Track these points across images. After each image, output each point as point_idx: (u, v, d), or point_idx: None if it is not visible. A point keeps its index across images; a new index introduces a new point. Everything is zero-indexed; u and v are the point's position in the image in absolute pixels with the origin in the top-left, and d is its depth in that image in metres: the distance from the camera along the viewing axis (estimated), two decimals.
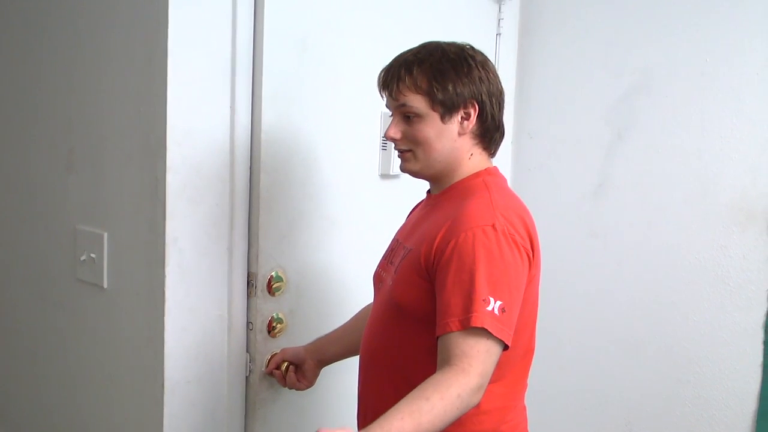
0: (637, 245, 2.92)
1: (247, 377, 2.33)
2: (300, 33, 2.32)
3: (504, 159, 2.67)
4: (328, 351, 2.32)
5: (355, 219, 2.56)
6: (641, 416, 2.95)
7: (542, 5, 3.12)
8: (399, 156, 1.96)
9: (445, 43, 1.91)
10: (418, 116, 1.88)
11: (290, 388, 2.33)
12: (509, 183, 2.07)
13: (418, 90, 1.86)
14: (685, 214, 2.80)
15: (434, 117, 1.88)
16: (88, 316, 2.38)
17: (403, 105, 1.88)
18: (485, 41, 2.96)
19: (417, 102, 1.87)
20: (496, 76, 1.93)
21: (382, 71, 1.94)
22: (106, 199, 2.28)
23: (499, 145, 2.00)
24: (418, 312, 1.83)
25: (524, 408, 2.02)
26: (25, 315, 2.62)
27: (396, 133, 1.91)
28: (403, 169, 1.98)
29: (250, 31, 2.21)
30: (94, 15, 2.26)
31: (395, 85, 1.89)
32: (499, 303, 1.71)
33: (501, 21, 3.07)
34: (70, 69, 2.35)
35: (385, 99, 1.95)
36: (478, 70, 1.88)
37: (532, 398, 2.07)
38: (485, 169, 1.95)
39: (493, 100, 1.91)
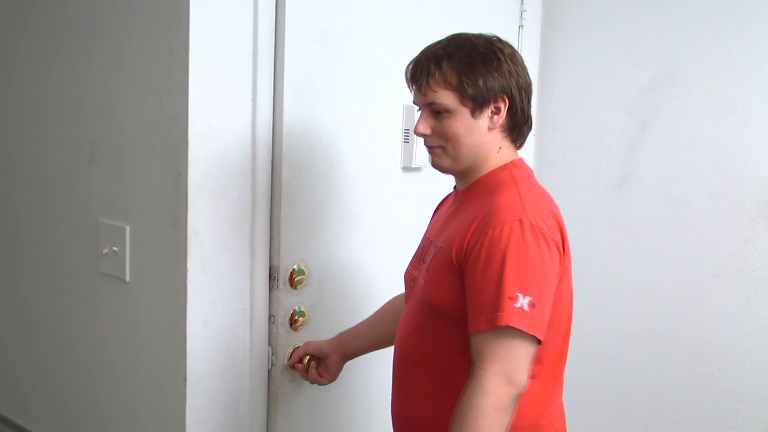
0: (660, 238, 2.90)
1: (269, 370, 2.33)
2: (322, 26, 2.31)
3: (527, 152, 2.66)
4: (352, 345, 2.32)
5: (377, 212, 2.55)
6: (664, 409, 2.93)
7: None
8: (429, 152, 1.94)
9: (473, 35, 1.88)
10: (448, 112, 1.86)
11: (312, 383, 2.32)
12: None
13: (447, 85, 1.84)
14: (709, 207, 2.78)
15: (464, 112, 1.85)
16: (110, 309, 2.38)
17: (432, 102, 1.86)
18: (508, 33, 2.94)
19: (447, 98, 1.85)
20: (524, 68, 1.90)
21: (410, 64, 1.91)
22: (128, 192, 2.28)
23: (527, 137, 1.98)
24: (452, 310, 1.82)
25: (562, 404, 2.00)
26: (48, 308, 2.63)
27: (426, 129, 1.89)
28: (433, 165, 1.96)
29: (272, 23, 2.21)
30: (116, 8, 2.26)
31: (425, 81, 1.86)
32: (528, 299, 1.70)
33: (524, 13, 3.06)
34: (91, 62, 2.36)
35: (412, 93, 1.92)
36: (508, 63, 1.86)
37: None
38: (511, 162, 1.93)
39: (523, 93, 1.89)
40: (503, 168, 1.91)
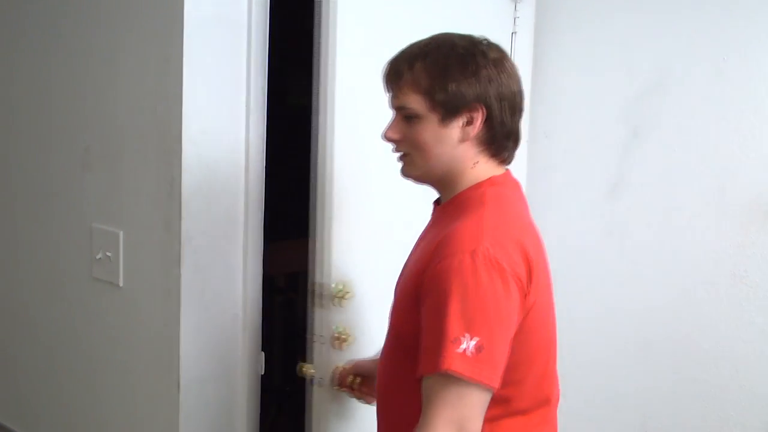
0: (653, 244, 2.90)
1: (261, 375, 2.34)
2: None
3: (519, 159, 2.65)
4: None
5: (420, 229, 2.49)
6: (657, 416, 2.93)
7: (558, 4, 3.11)
8: (398, 160, 1.77)
9: (458, 35, 1.71)
10: (417, 117, 1.68)
11: (360, 400, 2.20)
12: (524, 184, 1.96)
13: (417, 89, 1.67)
14: (702, 213, 2.78)
15: (433, 119, 1.67)
16: (103, 314, 2.38)
17: (402, 106, 1.70)
18: (500, 40, 2.95)
19: (415, 102, 1.67)
20: (511, 76, 1.70)
21: (386, 63, 1.75)
22: (121, 198, 2.28)
23: (513, 151, 1.77)
24: (413, 341, 1.63)
25: None
26: (41, 313, 2.63)
27: (395, 134, 1.73)
28: (402, 174, 1.78)
29: (266, 30, 2.22)
30: (111, 15, 2.26)
31: (395, 82, 1.71)
32: (475, 341, 1.51)
33: (516, 19, 3.06)
34: (86, 68, 2.36)
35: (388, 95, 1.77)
36: (489, 68, 1.66)
37: None
38: (489, 179, 1.72)
39: (504, 103, 1.68)
40: (478, 186, 1.72)
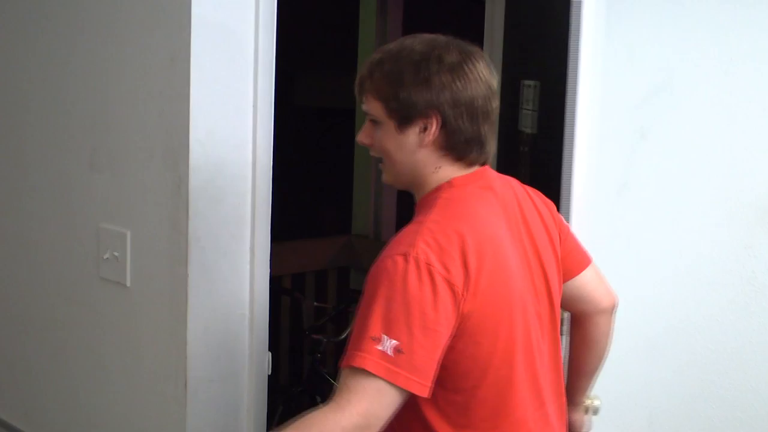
0: (660, 246, 2.90)
1: (268, 375, 2.34)
2: None
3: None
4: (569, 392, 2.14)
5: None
6: (663, 417, 2.93)
7: None
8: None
9: (421, 38, 1.70)
10: (379, 123, 1.70)
11: None
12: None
13: (376, 95, 1.69)
14: (708, 214, 2.78)
15: (391, 126, 1.68)
16: (110, 314, 2.38)
17: (367, 112, 1.72)
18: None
19: (376, 109, 1.69)
20: (471, 81, 1.66)
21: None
22: (129, 198, 2.29)
23: (481, 154, 1.74)
24: None
25: None
26: (49, 313, 2.63)
27: (364, 138, 1.75)
28: (383, 181, 1.81)
29: (273, 30, 2.22)
30: (117, 15, 2.27)
31: (360, 87, 1.73)
32: (393, 343, 1.51)
33: None
34: (93, 69, 2.36)
35: None
36: (442, 75, 1.64)
37: None
38: (448, 181, 1.71)
39: (461, 110, 1.65)
40: (436, 189, 1.72)
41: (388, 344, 1.52)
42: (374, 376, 1.51)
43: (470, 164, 1.73)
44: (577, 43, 2.11)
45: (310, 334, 3.78)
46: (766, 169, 2.67)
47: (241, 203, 2.21)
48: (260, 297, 2.27)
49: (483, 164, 1.76)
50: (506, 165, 2.61)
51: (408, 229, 1.63)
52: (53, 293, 2.61)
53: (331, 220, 5.33)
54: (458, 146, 1.69)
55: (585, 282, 1.98)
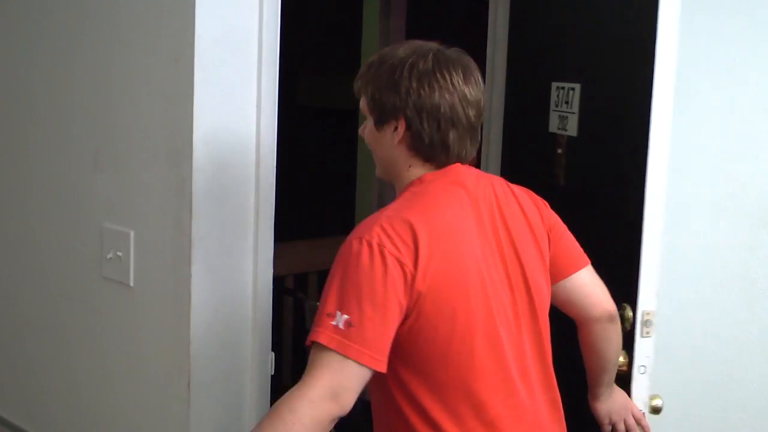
0: (663, 247, 2.89)
1: (272, 376, 2.34)
2: None
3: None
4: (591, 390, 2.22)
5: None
6: (666, 418, 2.92)
7: None
8: None
9: (410, 44, 1.81)
10: (367, 120, 1.86)
11: None
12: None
13: (363, 93, 1.84)
14: (712, 216, 2.78)
15: (371, 122, 1.84)
16: (114, 314, 2.39)
17: (361, 108, 1.87)
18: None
19: (363, 105, 1.85)
20: (438, 89, 1.75)
21: None
22: (132, 197, 2.29)
23: (448, 158, 1.82)
24: None
25: None
26: (52, 313, 2.63)
27: (360, 131, 1.91)
28: None
29: (277, 29, 2.22)
30: (121, 15, 2.27)
31: (356, 84, 1.87)
32: (345, 317, 1.61)
33: None
34: (96, 68, 2.36)
35: None
36: (410, 81, 1.74)
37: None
38: (419, 177, 1.82)
39: (425, 116, 1.75)
40: (409, 185, 1.82)
41: (341, 319, 1.61)
42: (330, 349, 1.60)
43: (439, 166, 1.82)
44: (653, 49, 2.11)
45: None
46: None
47: (245, 203, 2.21)
48: (263, 297, 2.28)
49: (451, 164, 1.83)
50: (538, 165, 2.61)
51: (369, 218, 1.75)
52: (56, 293, 2.61)
53: (334, 220, 5.33)
54: (423, 149, 1.79)
55: (576, 285, 1.99)
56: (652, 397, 2.26)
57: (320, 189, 5.41)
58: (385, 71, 1.78)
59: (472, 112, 1.78)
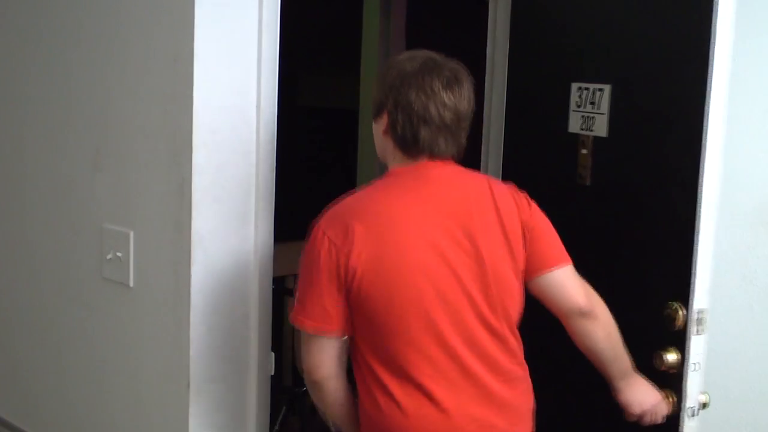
0: None
1: (272, 376, 2.34)
2: None
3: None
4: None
5: None
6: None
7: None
8: None
9: (414, 52, 2.01)
10: None
11: None
12: None
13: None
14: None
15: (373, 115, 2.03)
16: (113, 314, 2.39)
17: None
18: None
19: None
20: (416, 90, 1.92)
21: None
22: (132, 198, 2.29)
23: (419, 153, 1.96)
24: None
25: (390, 405, 1.93)
26: (52, 313, 2.64)
27: None
28: None
29: (277, 31, 2.22)
30: (120, 15, 2.27)
31: None
32: (297, 296, 1.91)
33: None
34: (96, 69, 2.37)
35: None
36: (394, 79, 1.95)
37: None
38: (392, 169, 2.01)
39: (401, 111, 1.93)
40: (385, 174, 2.02)
41: (297, 298, 1.91)
42: (303, 330, 1.92)
43: (414, 158, 1.97)
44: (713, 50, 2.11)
45: None
46: None
47: (244, 203, 2.21)
48: (263, 297, 2.28)
49: (432, 158, 1.98)
50: (552, 166, 2.61)
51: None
52: (56, 293, 2.61)
53: None
54: (398, 140, 1.97)
55: (551, 283, 2.06)
56: (702, 394, 2.27)
57: (320, 189, 5.40)
58: (382, 71, 2.02)
59: (447, 115, 1.94)
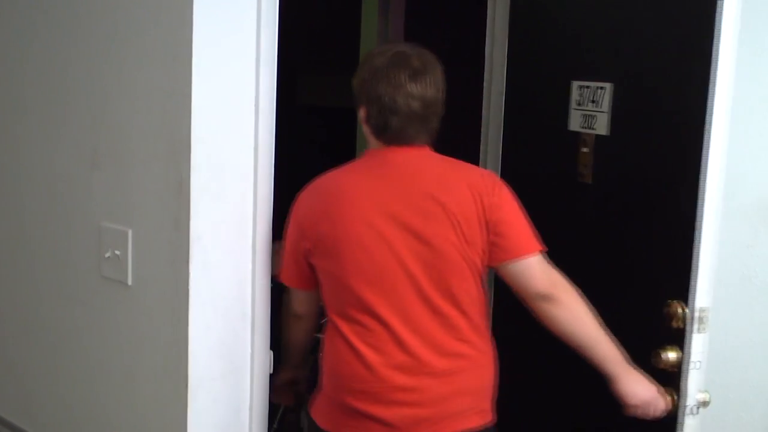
0: None
1: (271, 374, 2.34)
2: None
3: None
4: None
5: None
6: None
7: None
8: None
9: (386, 46, 2.29)
10: None
11: None
12: None
13: None
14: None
15: None
16: (112, 313, 2.38)
17: None
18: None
19: None
20: (383, 81, 2.15)
21: None
22: (130, 196, 2.29)
23: (390, 139, 2.20)
24: None
25: (339, 350, 2.23)
26: (50, 312, 2.63)
27: None
28: None
29: (275, 28, 2.22)
30: (118, 13, 2.27)
31: None
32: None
33: None
34: (94, 67, 2.36)
35: None
36: (364, 73, 2.20)
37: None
38: (364, 153, 2.28)
39: (373, 103, 2.17)
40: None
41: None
42: None
43: (386, 143, 2.22)
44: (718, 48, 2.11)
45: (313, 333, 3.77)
46: (767, 168, 2.67)
47: (243, 202, 2.21)
48: (262, 296, 2.28)
49: (402, 144, 2.20)
50: (552, 163, 2.61)
51: None
52: (54, 292, 2.61)
53: None
54: (373, 129, 2.22)
55: (517, 270, 2.17)
56: (702, 392, 2.28)
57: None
58: (360, 67, 2.24)
59: (415, 104, 2.15)
